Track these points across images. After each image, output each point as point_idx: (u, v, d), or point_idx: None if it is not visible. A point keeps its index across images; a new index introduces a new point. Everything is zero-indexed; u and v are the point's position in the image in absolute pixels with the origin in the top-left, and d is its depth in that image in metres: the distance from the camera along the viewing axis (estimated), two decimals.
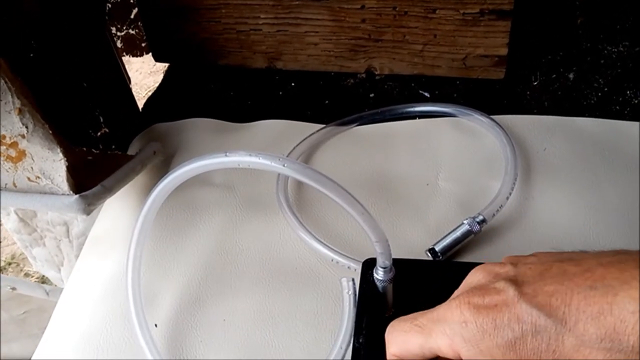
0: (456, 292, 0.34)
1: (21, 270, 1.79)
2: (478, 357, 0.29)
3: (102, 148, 0.69)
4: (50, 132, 0.46)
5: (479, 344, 0.29)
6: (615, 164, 0.53)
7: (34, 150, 0.45)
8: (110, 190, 0.49)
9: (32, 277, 1.71)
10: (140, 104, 0.74)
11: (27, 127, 0.44)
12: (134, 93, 0.74)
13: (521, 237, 0.50)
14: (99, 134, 0.71)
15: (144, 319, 0.43)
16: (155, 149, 0.58)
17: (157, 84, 0.76)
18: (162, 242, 0.53)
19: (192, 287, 0.49)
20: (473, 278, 0.34)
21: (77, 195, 0.46)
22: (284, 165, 0.37)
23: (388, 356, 0.34)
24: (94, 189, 0.47)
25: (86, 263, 0.54)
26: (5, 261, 1.79)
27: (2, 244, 1.82)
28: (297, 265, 0.50)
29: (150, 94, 0.75)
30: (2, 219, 0.83)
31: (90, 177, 0.52)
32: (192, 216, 0.55)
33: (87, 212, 0.47)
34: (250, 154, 0.37)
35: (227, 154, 0.38)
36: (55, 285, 0.89)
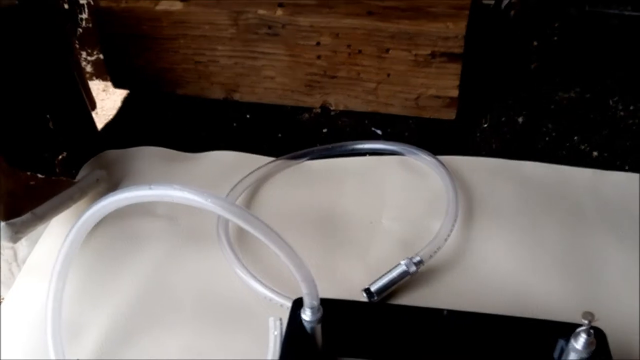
0: None
1: None
2: None
3: (58, 172, 0.67)
4: None
5: None
6: (557, 208, 0.54)
7: None
8: (41, 218, 0.48)
9: None
10: None
11: None
12: (114, 106, 0.74)
13: (459, 279, 0.49)
14: (60, 157, 0.71)
15: (63, 355, 0.42)
16: (99, 176, 0.57)
17: None
18: (95, 272, 0.52)
19: (120, 321, 0.48)
20: None
21: (3, 223, 0.45)
22: (206, 200, 0.36)
23: None
24: (22, 217, 0.46)
25: (19, 291, 0.53)
26: None
27: None
28: (231, 302, 0.49)
29: None
30: None
31: (28, 204, 0.51)
32: (130, 246, 0.54)
33: (15, 240, 0.46)
34: (174, 187, 0.37)
35: (152, 187, 0.37)
36: None
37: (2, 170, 0.50)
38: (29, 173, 0.56)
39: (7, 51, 0.61)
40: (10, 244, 0.45)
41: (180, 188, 0.37)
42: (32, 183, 0.55)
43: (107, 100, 0.99)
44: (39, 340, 0.47)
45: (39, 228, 0.54)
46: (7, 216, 0.46)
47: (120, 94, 0.79)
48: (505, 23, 0.73)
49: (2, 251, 0.81)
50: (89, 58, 1.14)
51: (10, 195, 0.49)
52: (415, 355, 0.44)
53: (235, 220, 0.36)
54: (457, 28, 0.59)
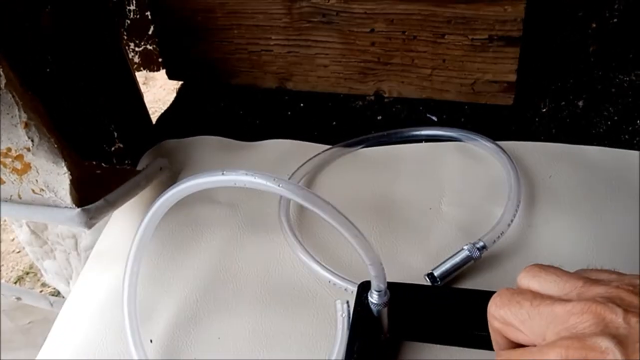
0: (555, 330, 0.30)
1: (38, 280, 1.80)
2: None
3: (114, 163, 0.70)
4: (56, 145, 0.46)
5: None
6: (621, 194, 0.52)
7: (39, 163, 0.46)
8: (113, 205, 0.50)
9: (49, 287, 1.72)
10: None
11: (32, 141, 0.45)
12: (158, 109, 0.75)
13: (522, 265, 0.48)
14: (113, 148, 0.73)
15: (139, 335, 0.44)
16: (162, 165, 0.58)
17: None
18: (163, 258, 0.53)
19: (189, 304, 0.49)
20: (579, 321, 0.30)
21: (79, 209, 0.47)
22: (279, 185, 0.37)
23: None
24: (96, 203, 0.48)
25: (89, 276, 0.55)
26: (23, 271, 1.81)
27: (20, 253, 1.84)
28: (295, 285, 0.50)
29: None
30: (15, 231, 0.84)
31: (95, 191, 0.52)
32: (195, 233, 0.55)
33: (89, 225, 0.47)
34: (246, 173, 0.38)
35: (224, 172, 0.39)
36: (62, 297, 0.90)
37: (72, 159, 0.52)
38: (94, 162, 0.58)
39: (65, 47, 0.63)
40: (85, 230, 0.47)
41: (252, 174, 0.37)
42: (98, 172, 0.57)
43: (148, 94, 1.00)
44: (109, 322, 0.49)
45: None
46: (81, 203, 0.48)
47: (161, 85, 0.81)
48: (562, 5, 0.71)
49: (61, 242, 0.84)
50: (136, 49, 1.16)
51: (80, 182, 0.51)
52: (482, 340, 0.44)
53: (306, 204, 0.37)
54: (515, 11, 0.58)
